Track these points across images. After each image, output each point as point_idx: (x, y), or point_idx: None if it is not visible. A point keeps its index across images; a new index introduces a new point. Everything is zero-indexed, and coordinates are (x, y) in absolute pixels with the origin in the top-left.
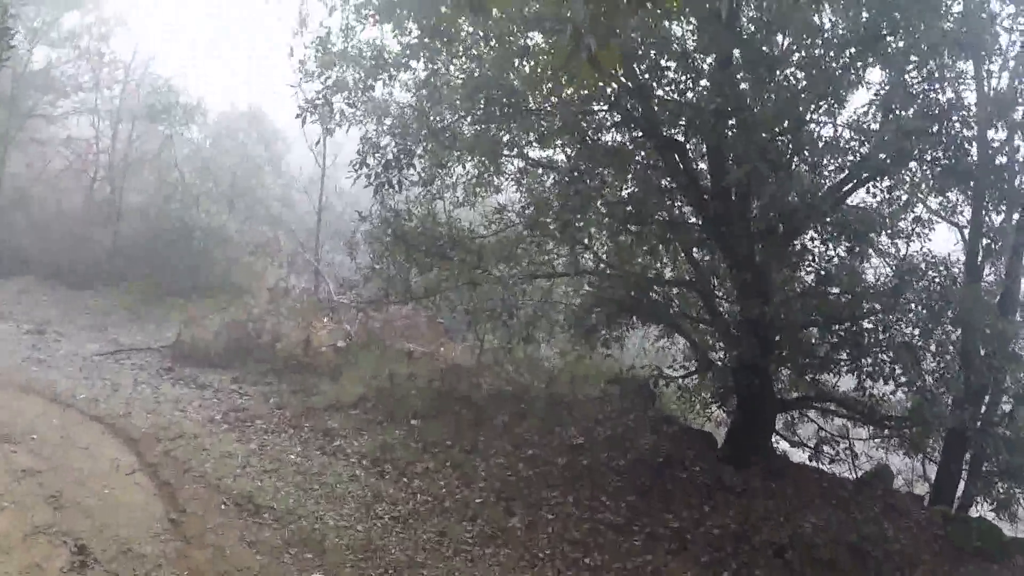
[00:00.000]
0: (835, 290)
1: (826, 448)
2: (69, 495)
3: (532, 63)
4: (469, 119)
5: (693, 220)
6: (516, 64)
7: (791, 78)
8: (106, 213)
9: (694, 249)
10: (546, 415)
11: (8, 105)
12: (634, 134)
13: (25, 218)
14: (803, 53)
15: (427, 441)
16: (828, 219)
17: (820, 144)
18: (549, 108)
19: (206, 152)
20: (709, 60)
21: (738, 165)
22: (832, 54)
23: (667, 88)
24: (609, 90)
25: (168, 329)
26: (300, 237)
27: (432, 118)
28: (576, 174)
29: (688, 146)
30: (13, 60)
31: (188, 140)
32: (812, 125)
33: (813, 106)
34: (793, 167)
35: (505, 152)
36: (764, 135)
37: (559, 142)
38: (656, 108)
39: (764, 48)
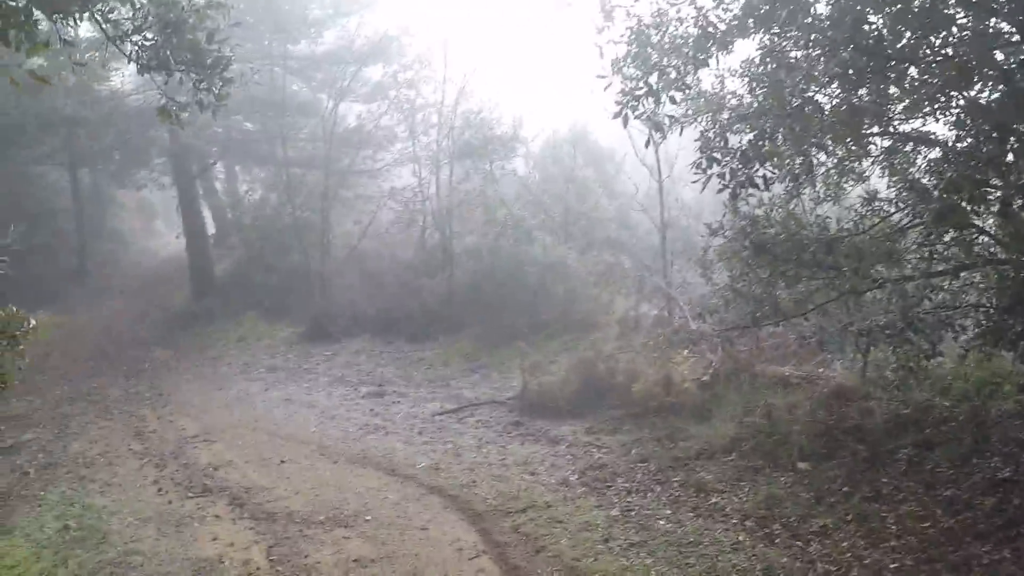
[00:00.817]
0: None
1: None
2: None
3: None
4: (829, 87)
5: None
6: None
7: None
8: (438, 260)
9: None
10: (958, 442)
11: (324, 165)
12: None
13: (358, 275)
14: None
15: (819, 489)
16: None
17: None
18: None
19: (532, 183)
20: None
21: None
22: None
23: None
24: None
25: (512, 377)
26: (645, 260)
27: (790, 91)
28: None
29: None
30: (322, 120)
31: (511, 173)
32: None
33: None
34: None
35: (869, 129)
36: None
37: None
38: None
39: None
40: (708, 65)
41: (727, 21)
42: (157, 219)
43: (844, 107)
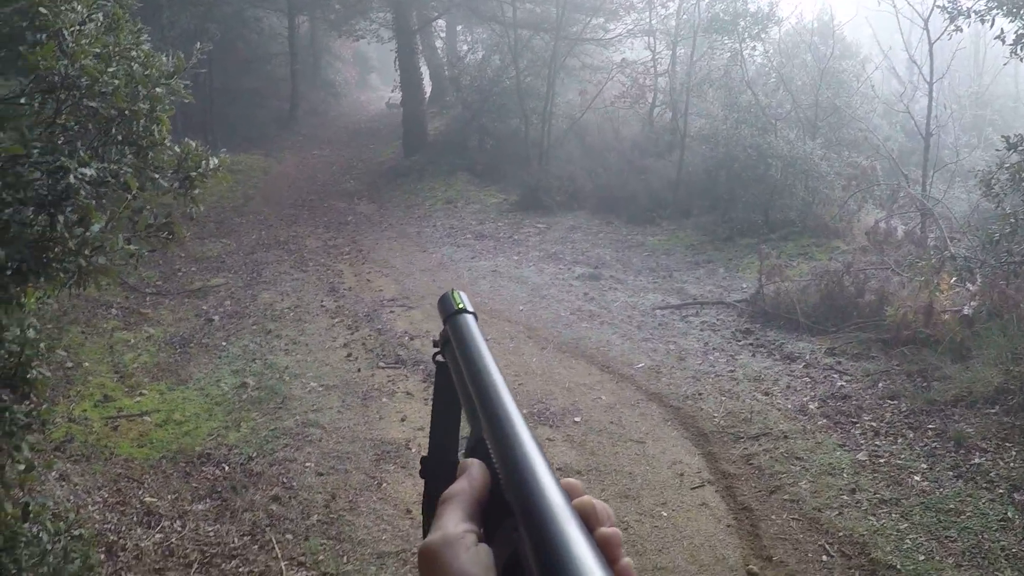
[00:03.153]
0: None
1: None
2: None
3: None
4: None
5: None
6: None
7: None
8: (667, 141)
9: None
10: None
11: (553, 31)
12: None
13: (579, 149)
14: None
15: None
16: None
17: None
18: None
19: (779, 69)
20: None
21: None
22: None
23: None
24: None
25: (741, 277)
26: (904, 169)
27: None
28: None
29: None
30: None
31: (755, 58)
32: None
33: None
34: None
35: None
36: None
37: None
38: None
39: None
40: None
41: None
42: (372, 73)
43: None
